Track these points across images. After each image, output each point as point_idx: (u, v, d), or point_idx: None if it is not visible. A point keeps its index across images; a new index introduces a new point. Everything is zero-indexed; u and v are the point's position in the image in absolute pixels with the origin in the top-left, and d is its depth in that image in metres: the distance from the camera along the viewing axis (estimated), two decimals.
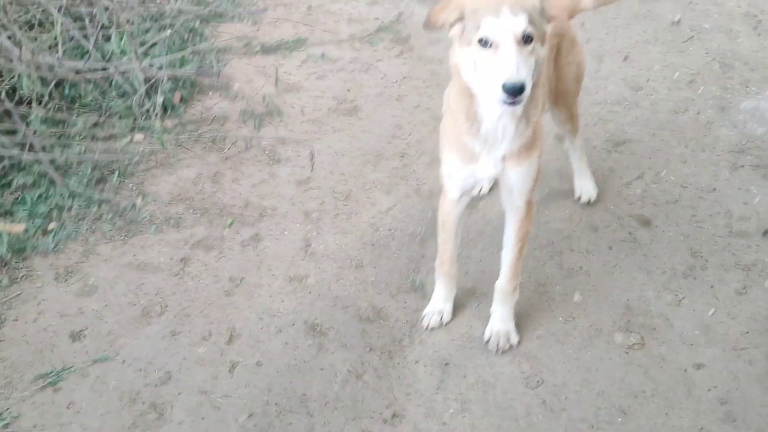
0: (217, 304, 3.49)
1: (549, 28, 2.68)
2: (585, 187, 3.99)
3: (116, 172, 4.14)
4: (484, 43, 2.52)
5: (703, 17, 5.69)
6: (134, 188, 4.11)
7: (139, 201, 4.01)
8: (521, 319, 3.36)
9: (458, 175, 2.97)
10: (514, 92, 2.44)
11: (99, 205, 3.96)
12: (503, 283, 3.25)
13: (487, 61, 2.52)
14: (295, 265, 3.69)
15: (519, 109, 2.68)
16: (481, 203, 3.96)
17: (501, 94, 2.46)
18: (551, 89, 3.39)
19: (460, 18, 2.62)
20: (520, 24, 2.49)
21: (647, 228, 3.84)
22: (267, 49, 5.26)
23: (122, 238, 3.82)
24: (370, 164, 4.30)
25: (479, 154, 2.85)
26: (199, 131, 4.50)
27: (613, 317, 3.39)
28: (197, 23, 5.37)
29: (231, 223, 3.91)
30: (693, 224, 3.85)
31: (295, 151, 4.38)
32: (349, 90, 4.92)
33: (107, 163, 4.20)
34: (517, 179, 2.92)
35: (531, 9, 2.54)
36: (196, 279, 3.62)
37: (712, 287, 3.51)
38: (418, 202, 4.03)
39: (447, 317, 3.39)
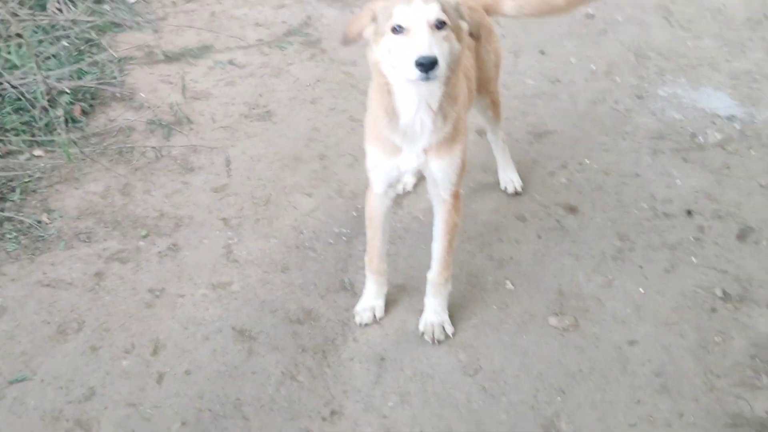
0: (138, 317, 3.58)
1: (465, 26, 2.93)
2: (510, 178, 4.26)
3: (17, 190, 4.19)
4: (397, 30, 2.74)
5: (615, 10, 6.11)
6: (38, 205, 4.16)
7: (44, 218, 4.07)
8: (455, 311, 3.57)
9: (382, 168, 3.19)
10: (427, 66, 2.65)
11: (0, 224, 4.00)
12: (435, 275, 3.47)
13: (401, 45, 2.74)
14: (218, 273, 3.82)
15: (435, 101, 2.92)
16: (406, 200, 4.17)
17: (415, 71, 2.67)
18: (476, 77, 3.65)
19: (373, 19, 2.85)
20: (432, 10, 2.73)
21: (574, 215, 4.12)
22: (170, 58, 5.40)
23: (29, 256, 3.87)
24: (288, 168, 4.47)
25: (401, 147, 3.07)
26: (105, 143, 4.59)
27: (546, 302, 3.64)
28: (93, 34, 5.46)
29: (146, 235, 4.01)
30: (618, 209, 4.16)
31: (209, 159, 4.52)
32: (260, 95, 5.09)
33: (6, 180, 4.24)
34: (440, 172, 3.15)
35: (444, 2, 2.79)
36: (113, 293, 3.70)
37: (640, 267, 3.81)
38: (341, 203, 4.22)
39: (380, 313, 3.57)
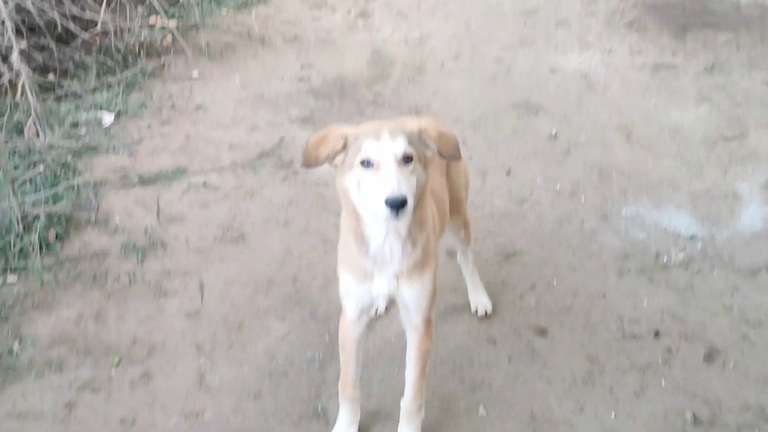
0: None
1: (430, 153, 2.96)
2: (480, 301, 4.27)
3: None
4: (366, 164, 2.79)
5: (578, 130, 6.24)
6: (10, 332, 4.09)
7: (16, 346, 4.00)
8: None
9: (354, 293, 3.19)
10: (397, 206, 2.69)
11: None
12: (408, 402, 3.43)
13: (370, 180, 2.79)
14: (190, 401, 3.75)
15: (403, 228, 2.95)
16: (378, 323, 4.16)
17: (385, 210, 2.71)
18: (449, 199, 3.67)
19: (344, 146, 2.89)
20: (399, 146, 2.79)
21: (544, 337, 4.12)
22: (146, 181, 5.42)
23: None
24: (262, 291, 4.45)
25: (372, 272, 3.08)
26: (79, 268, 4.55)
27: (519, 429, 3.60)
28: (69, 157, 5.49)
29: (118, 362, 3.94)
30: (587, 330, 4.17)
31: (183, 283, 4.50)
32: (234, 217, 5.11)
33: None
34: (412, 297, 3.16)
35: (410, 133, 2.85)
36: (84, 424, 3.62)
37: (611, 391, 3.79)
38: (314, 326, 4.20)
39: None
